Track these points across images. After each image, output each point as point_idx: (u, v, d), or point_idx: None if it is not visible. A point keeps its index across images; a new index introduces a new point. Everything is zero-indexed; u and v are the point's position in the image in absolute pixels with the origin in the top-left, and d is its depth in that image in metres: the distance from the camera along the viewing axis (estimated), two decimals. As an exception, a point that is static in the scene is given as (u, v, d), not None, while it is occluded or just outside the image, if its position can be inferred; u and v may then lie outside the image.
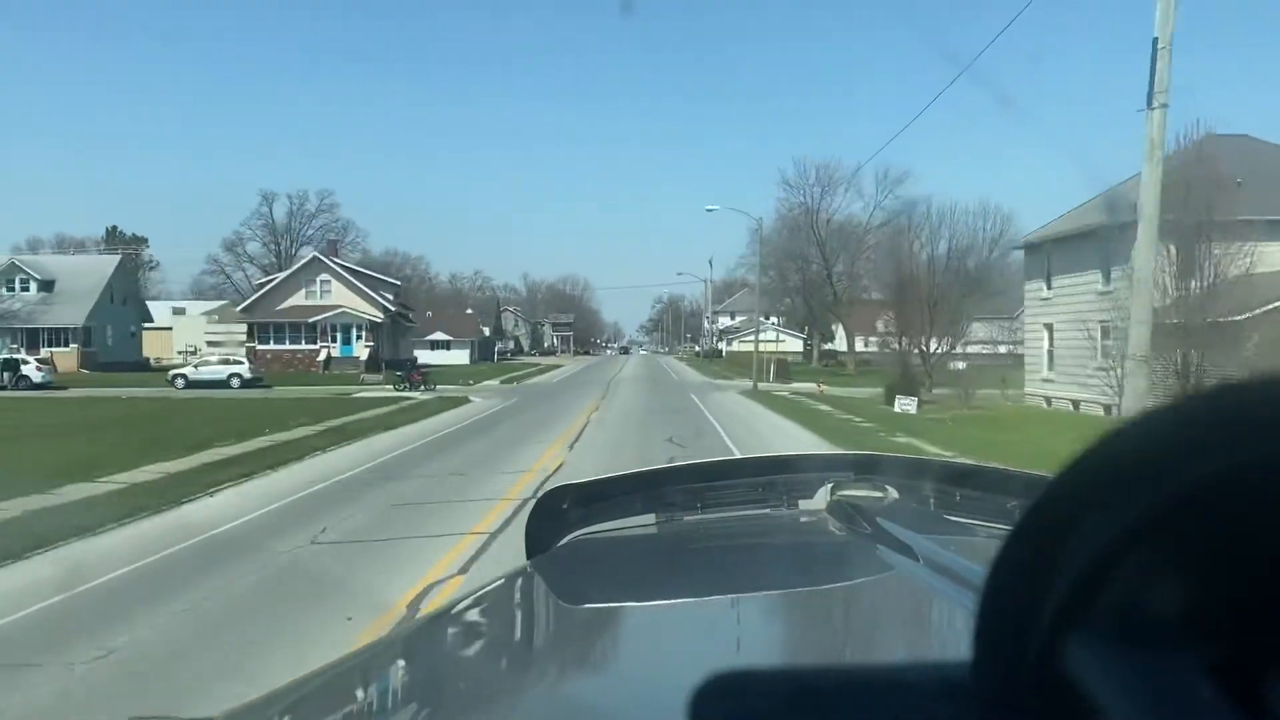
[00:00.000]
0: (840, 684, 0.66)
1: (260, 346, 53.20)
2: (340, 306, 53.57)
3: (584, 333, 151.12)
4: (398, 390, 39.79)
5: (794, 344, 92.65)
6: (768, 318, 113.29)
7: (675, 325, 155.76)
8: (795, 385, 47.91)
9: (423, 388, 40.48)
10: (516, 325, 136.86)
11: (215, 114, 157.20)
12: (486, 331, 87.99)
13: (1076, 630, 0.49)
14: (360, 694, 1.14)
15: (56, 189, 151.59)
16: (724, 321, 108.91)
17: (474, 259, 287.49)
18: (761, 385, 44.35)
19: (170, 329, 72.41)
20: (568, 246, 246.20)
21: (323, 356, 52.32)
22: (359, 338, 53.67)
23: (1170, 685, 0.47)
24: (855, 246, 61.70)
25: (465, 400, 33.95)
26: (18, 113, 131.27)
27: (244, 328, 55.47)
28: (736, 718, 0.61)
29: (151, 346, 64.57)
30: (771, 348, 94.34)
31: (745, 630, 1.23)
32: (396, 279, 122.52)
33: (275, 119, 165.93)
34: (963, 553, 1.27)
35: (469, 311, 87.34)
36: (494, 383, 47.75)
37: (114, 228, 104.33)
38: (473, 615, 1.50)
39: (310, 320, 52.90)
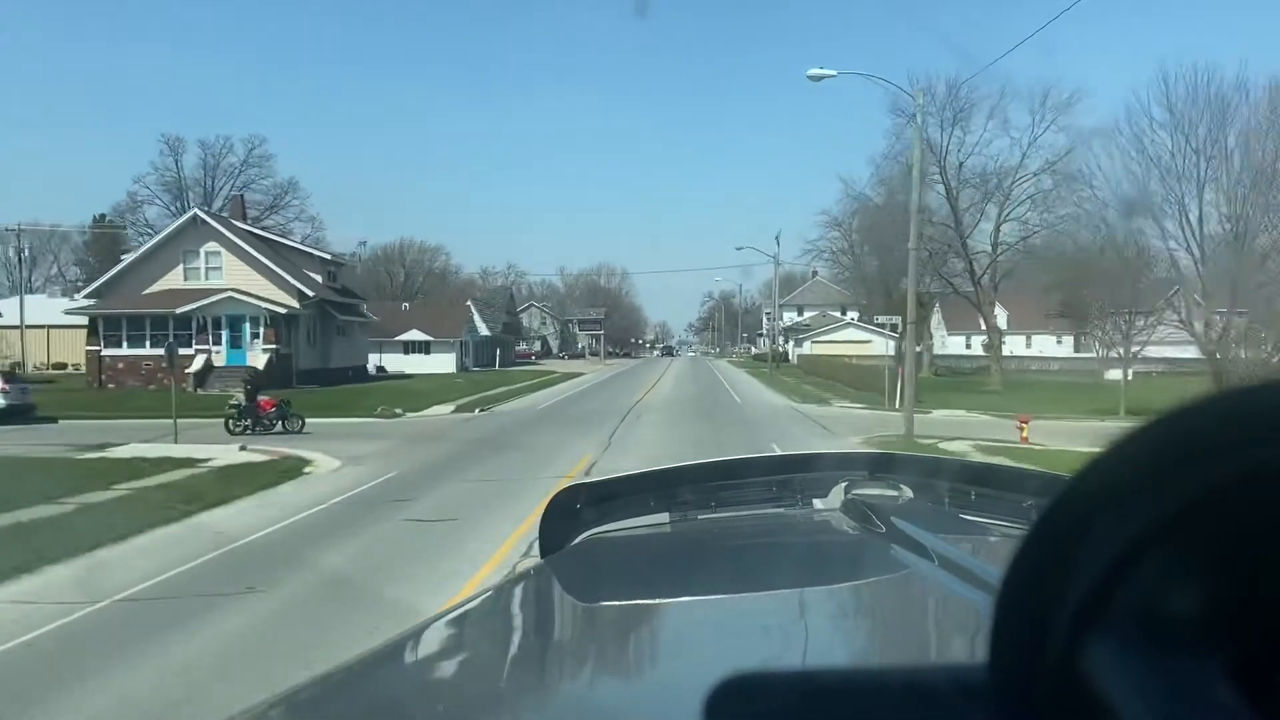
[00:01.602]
0: (855, 684, 0.66)
1: (108, 351, 35.38)
2: (227, 290, 35.54)
3: (622, 332, 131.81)
4: (231, 432, 21.64)
5: (882, 344, 73.07)
6: (844, 312, 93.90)
7: (729, 324, 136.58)
8: (941, 413, 28.59)
9: (282, 426, 22.23)
10: (544, 324, 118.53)
11: (227, 104, 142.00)
12: (485, 330, 69.43)
13: (1094, 631, 0.49)
14: (371, 693, 1.10)
15: (48, 175, 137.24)
16: (788, 318, 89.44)
17: (510, 253, 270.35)
18: (889, 415, 25.34)
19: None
20: (609, 241, 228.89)
21: (196, 366, 34.33)
22: (256, 336, 35.56)
23: (1188, 687, 0.47)
24: (1002, 202, 41.76)
25: (292, 473, 15.56)
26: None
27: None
28: (750, 717, 0.61)
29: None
30: (859, 349, 74.96)
31: (759, 629, 1.20)
32: (407, 269, 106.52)
33: (293, 112, 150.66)
34: (978, 552, 1.27)
35: (468, 304, 68.91)
36: (445, 409, 29.41)
37: (102, 215, 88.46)
38: (486, 613, 1.50)
39: (179, 311, 34.94)
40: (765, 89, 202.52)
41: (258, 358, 35.03)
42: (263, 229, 47.76)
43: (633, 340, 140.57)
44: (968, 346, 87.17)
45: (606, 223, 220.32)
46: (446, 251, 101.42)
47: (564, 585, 1.54)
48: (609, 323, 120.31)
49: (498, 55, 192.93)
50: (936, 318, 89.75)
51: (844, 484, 1.84)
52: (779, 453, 2.35)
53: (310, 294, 37.13)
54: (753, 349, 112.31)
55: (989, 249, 43.96)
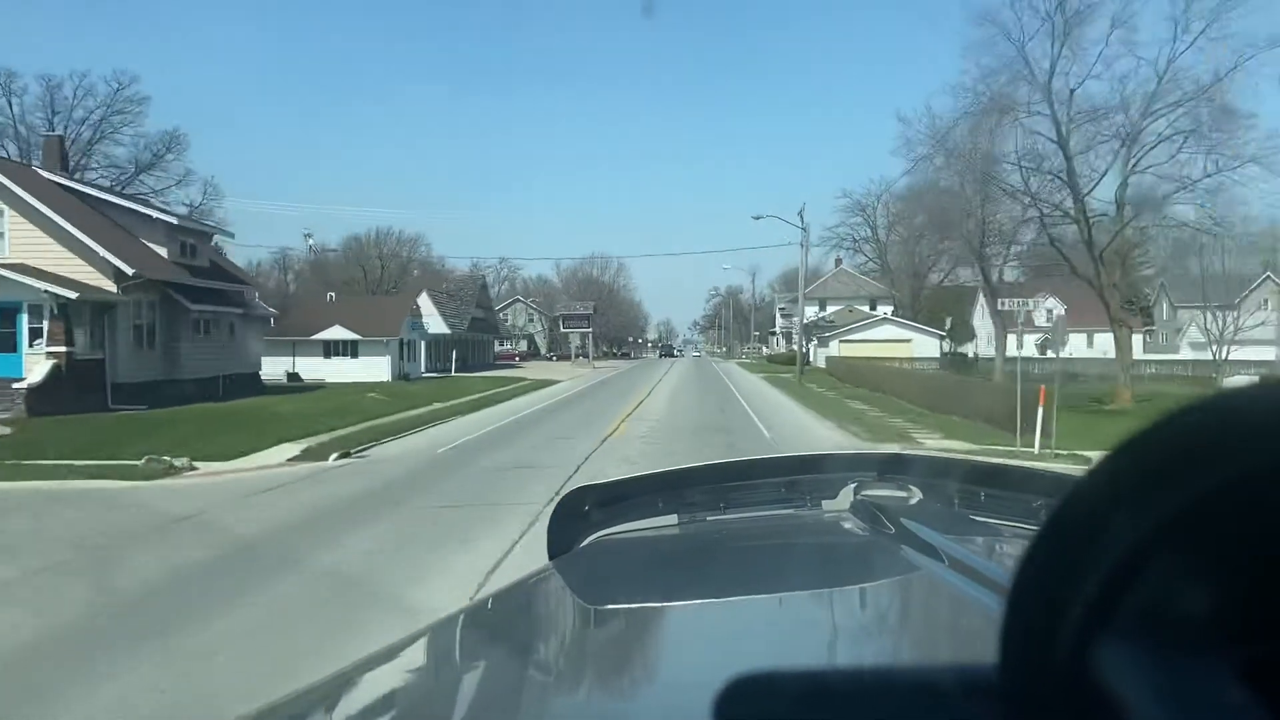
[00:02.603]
0: (865, 686, 0.66)
1: None
2: (-5, 265, 23.75)
3: (619, 330, 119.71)
4: None
5: (924, 344, 61.20)
6: (873, 306, 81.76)
7: (738, 322, 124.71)
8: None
9: None
10: (531, 320, 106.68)
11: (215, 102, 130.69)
12: (444, 327, 57.21)
13: (1105, 632, 0.48)
14: (378, 695, 1.11)
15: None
16: (808, 313, 77.53)
17: (503, 248, 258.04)
18: (1029, 463, 13.42)
19: None
20: (610, 235, 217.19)
21: (-62, 379, 22.51)
22: (39, 335, 23.78)
23: (1199, 688, 0.46)
24: (1129, 143, 29.51)
25: None
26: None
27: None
28: (759, 717, 0.61)
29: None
30: (899, 350, 62.87)
31: (768, 631, 1.21)
32: (383, 261, 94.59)
33: (280, 102, 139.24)
34: (988, 553, 1.28)
35: (421, 295, 56.84)
36: (283, 454, 17.59)
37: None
38: (494, 615, 1.50)
39: (-85, 296, 23.17)
40: (772, 73, 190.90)
41: (38, 367, 23.22)
42: (126, 195, 36.02)
43: (630, 339, 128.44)
44: (1019, 347, 74.70)
45: (606, 216, 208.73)
46: (427, 242, 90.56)
47: (572, 587, 1.54)
48: (602, 319, 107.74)
49: (494, 46, 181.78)
50: (980, 310, 77.48)
51: (853, 485, 1.83)
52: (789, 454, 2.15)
53: (129, 271, 25.23)
54: (764, 349, 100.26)
55: (1093, 213, 31.72)
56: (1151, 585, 0.48)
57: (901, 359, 54.59)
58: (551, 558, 1.64)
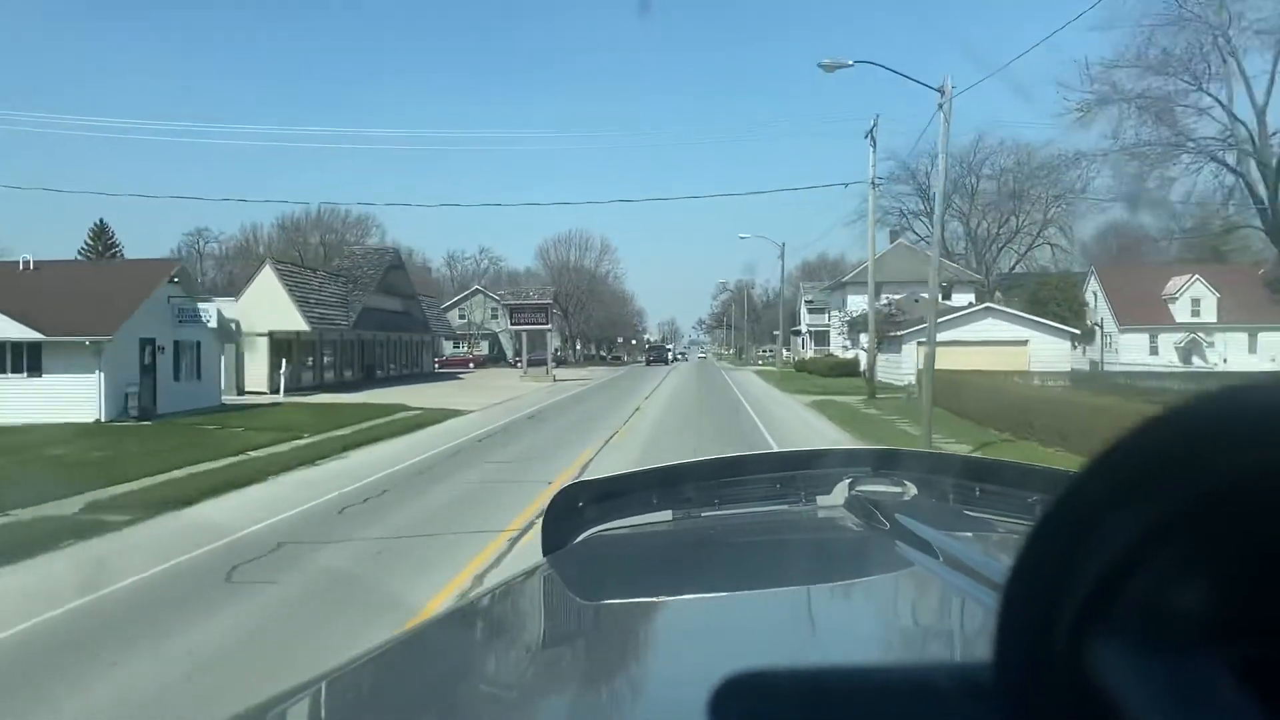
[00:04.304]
0: (859, 683, 0.66)
1: None
2: None
3: (606, 329, 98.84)
4: None
5: (1045, 346, 40.92)
6: (947, 295, 61.60)
7: (750, 320, 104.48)
8: None
9: None
10: (495, 317, 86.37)
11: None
12: (301, 320, 35.61)
13: (1100, 629, 0.48)
14: (374, 692, 1.12)
15: None
16: (853, 304, 57.30)
17: (489, 242, 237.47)
18: None
19: None
20: (610, 233, 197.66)
21: None
22: None
23: (1195, 686, 0.46)
24: None
25: None
26: None
27: None
28: (754, 716, 0.61)
29: None
30: (1011, 356, 42.00)
31: (762, 627, 1.22)
32: (325, 243, 74.96)
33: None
34: (983, 549, 1.29)
35: (279, 271, 36.48)
36: None
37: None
38: (489, 612, 1.51)
39: None
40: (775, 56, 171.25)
41: None
42: None
43: (620, 339, 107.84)
44: (1153, 351, 54.70)
45: (602, 210, 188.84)
46: (379, 223, 76.96)
47: (566, 583, 1.54)
48: (582, 314, 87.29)
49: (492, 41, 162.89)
50: (1095, 299, 57.05)
51: (848, 481, 1.82)
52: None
53: None
54: (785, 352, 79.73)
55: None
56: (1148, 582, 0.47)
57: (1020, 371, 34.98)
58: (546, 554, 1.62)
